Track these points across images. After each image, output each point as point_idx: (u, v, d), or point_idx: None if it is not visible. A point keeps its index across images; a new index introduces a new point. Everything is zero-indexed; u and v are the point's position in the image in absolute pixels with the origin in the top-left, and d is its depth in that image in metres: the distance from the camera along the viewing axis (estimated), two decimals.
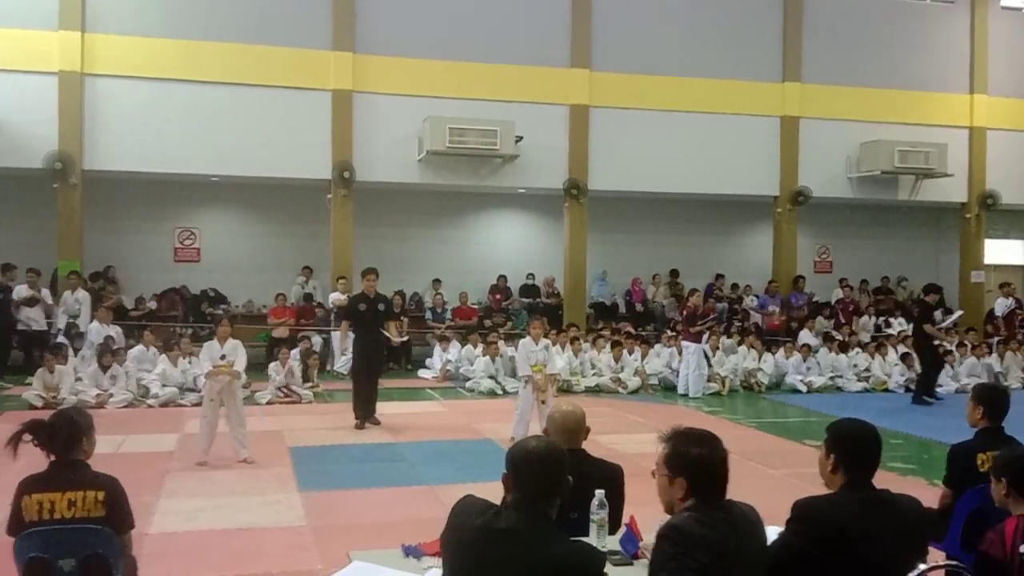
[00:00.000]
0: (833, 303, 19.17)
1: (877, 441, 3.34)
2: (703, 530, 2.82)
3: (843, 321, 18.23)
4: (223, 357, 8.69)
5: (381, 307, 10.91)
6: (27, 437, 3.84)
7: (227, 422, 8.75)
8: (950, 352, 15.35)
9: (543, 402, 9.53)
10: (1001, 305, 18.99)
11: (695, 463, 2.92)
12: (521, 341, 10.59)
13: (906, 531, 3.20)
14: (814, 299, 19.04)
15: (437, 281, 17.82)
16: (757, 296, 18.95)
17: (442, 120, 15.67)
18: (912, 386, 14.59)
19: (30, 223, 15.76)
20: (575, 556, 2.79)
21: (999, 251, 21.16)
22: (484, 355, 14.53)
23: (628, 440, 9.86)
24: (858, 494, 3.22)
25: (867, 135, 18.35)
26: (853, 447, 3.31)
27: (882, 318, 18.99)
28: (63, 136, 14.78)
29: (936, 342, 14.13)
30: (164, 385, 12.60)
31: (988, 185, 19.35)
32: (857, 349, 16.15)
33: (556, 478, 2.89)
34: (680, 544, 2.81)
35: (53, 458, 3.85)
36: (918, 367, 14.49)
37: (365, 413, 10.70)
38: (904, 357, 15.60)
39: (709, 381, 14.33)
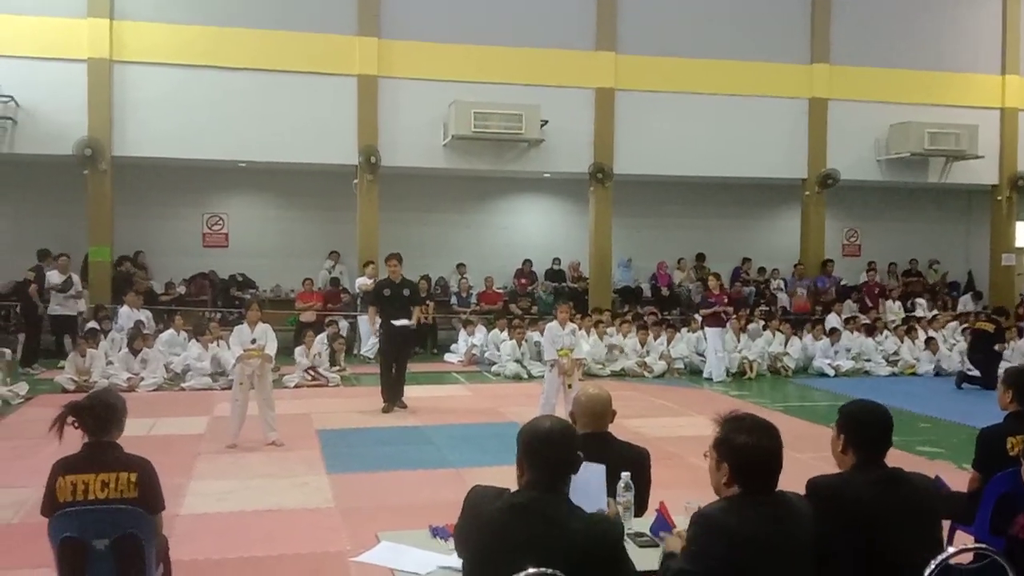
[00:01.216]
0: (859, 286, 19.00)
1: (888, 422, 3.36)
2: (735, 520, 2.82)
3: (870, 304, 18.07)
4: (253, 341, 8.78)
5: (406, 292, 10.91)
6: (70, 419, 3.91)
7: (257, 405, 8.84)
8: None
9: (569, 386, 9.55)
10: None
11: (739, 451, 2.91)
12: (548, 325, 10.59)
13: (919, 509, 3.21)
14: (841, 283, 18.91)
15: (462, 266, 17.85)
16: (784, 280, 18.85)
17: (467, 105, 15.66)
18: (939, 371, 14.95)
19: (61, 209, 15.96)
20: (596, 527, 2.83)
21: None
22: (510, 339, 14.56)
23: (654, 424, 9.88)
24: (869, 473, 3.24)
25: (896, 117, 18.12)
26: (863, 428, 3.34)
27: (908, 301, 18.83)
28: (92, 123, 14.93)
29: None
30: (188, 370, 12.74)
31: (1020, 167, 19.08)
32: (886, 333, 16.01)
33: (569, 455, 2.93)
34: (704, 534, 2.84)
35: (86, 440, 3.91)
36: (947, 352, 14.40)
37: (392, 397, 10.76)
38: (928, 342, 15.47)
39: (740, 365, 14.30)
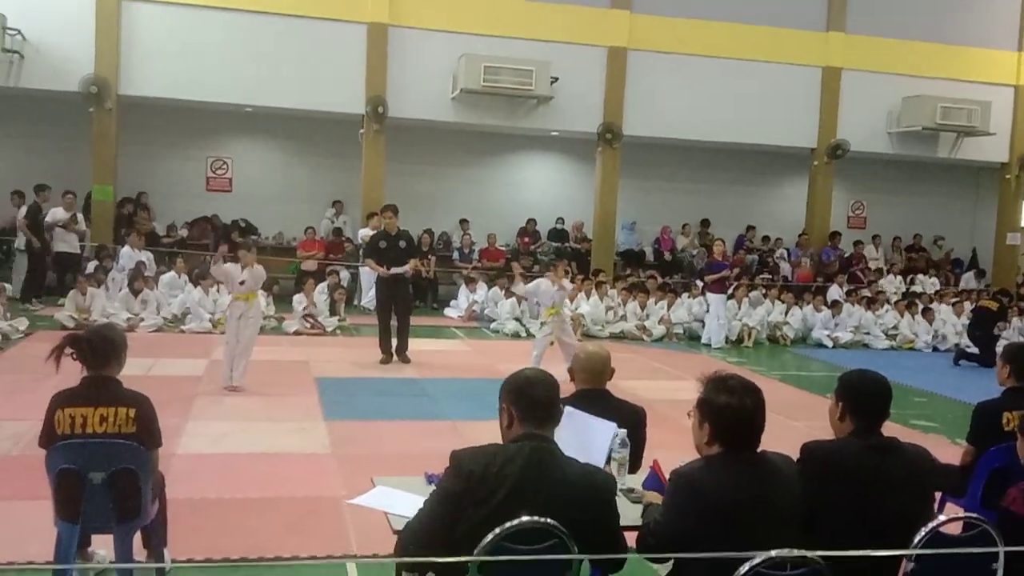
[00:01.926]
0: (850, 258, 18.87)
1: (886, 392, 3.38)
2: (711, 479, 2.85)
3: (862, 280, 17.96)
4: (242, 283, 8.78)
5: (402, 244, 10.84)
6: (68, 350, 3.91)
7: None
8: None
9: (564, 342, 9.76)
10: None
11: (719, 410, 2.94)
12: (537, 280, 10.65)
13: (912, 477, 3.24)
14: (845, 256, 18.87)
15: (465, 221, 17.79)
16: (788, 249, 18.81)
17: (477, 58, 15.50)
18: (937, 345, 15.06)
19: (65, 146, 15.87)
20: (596, 475, 2.91)
21: None
22: (509, 297, 14.56)
23: (650, 386, 9.91)
24: (865, 440, 3.27)
25: (910, 89, 17.94)
26: (862, 396, 3.36)
27: (909, 276, 18.83)
28: (99, 60, 14.78)
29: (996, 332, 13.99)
30: (188, 313, 12.79)
31: None
32: (886, 307, 16.02)
33: (557, 401, 2.97)
34: (680, 492, 2.88)
35: (85, 374, 3.92)
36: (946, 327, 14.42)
37: (389, 348, 10.78)
38: (925, 312, 15.51)
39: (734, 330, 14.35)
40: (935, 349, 15.02)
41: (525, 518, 2.68)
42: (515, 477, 2.75)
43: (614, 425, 3.66)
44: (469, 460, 2.81)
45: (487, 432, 3.23)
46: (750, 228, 19.26)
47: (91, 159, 15.17)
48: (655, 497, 3.26)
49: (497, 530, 2.65)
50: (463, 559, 2.61)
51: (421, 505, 2.87)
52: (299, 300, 13.03)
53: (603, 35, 16.75)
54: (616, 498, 2.97)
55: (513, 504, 2.71)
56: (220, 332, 11.95)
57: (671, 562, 3.03)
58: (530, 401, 2.93)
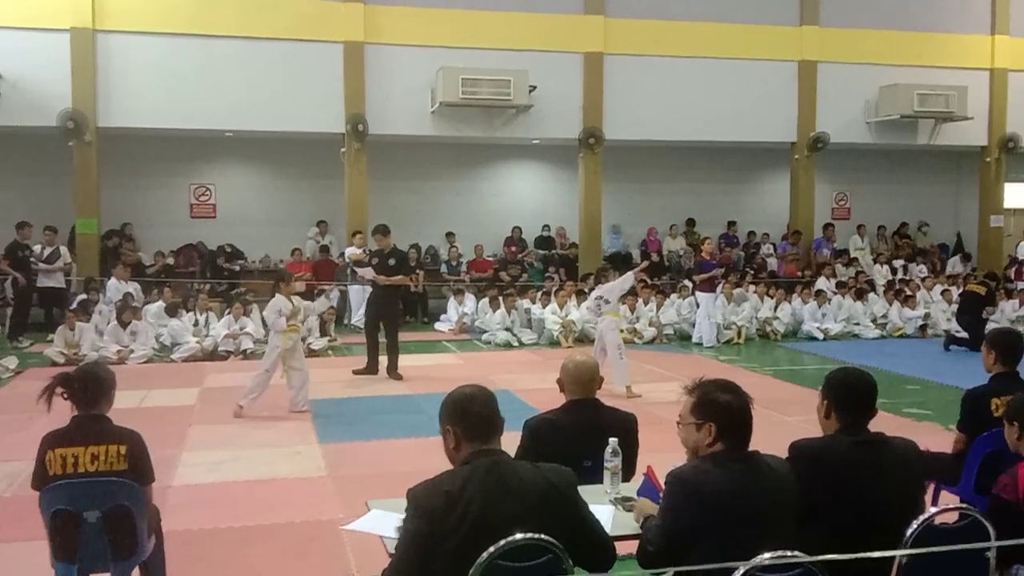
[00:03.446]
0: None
1: (871, 388, 3.45)
2: (707, 478, 2.90)
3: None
4: (294, 315, 8.89)
5: (392, 262, 10.94)
6: (59, 390, 3.92)
7: (287, 375, 8.92)
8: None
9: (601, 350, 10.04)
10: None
11: (723, 408, 3.03)
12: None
13: (901, 470, 3.28)
14: (839, 248, 18.96)
15: (451, 234, 17.80)
16: (774, 244, 18.88)
17: (455, 71, 15.53)
18: (921, 329, 15.31)
19: (47, 181, 15.83)
20: (550, 473, 2.90)
21: (1020, 195, 20.91)
22: (499, 308, 14.57)
23: (644, 389, 9.94)
24: (852, 437, 3.32)
25: (886, 79, 18.05)
26: (846, 393, 3.42)
27: (899, 263, 18.90)
28: (76, 93, 14.76)
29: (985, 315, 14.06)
30: (177, 343, 12.77)
31: (1009, 128, 19.04)
32: (872, 296, 16.07)
33: (497, 413, 2.98)
34: (677, 493, 2.93)
35: (75, 413, 3.92)
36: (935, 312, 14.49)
37: (375, 360, 10.91)
38: (907, 300, 15.62)
39: (726, 329, 14.38)
40: (923, 328, 15.21)
41: (519, 535, 2.67)
42: (479, 498, 2.72)
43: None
44: (428, 496, 2.75)
45: None
46: (731, 224, 19.31)
47: (74, 193, 15.13)
48: (649, 507, 3.27)
49: (484, 555, 2.64)
50: None
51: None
52: None
53: (579, 41, 16.81)
54: (577, 490, 2.96)
55: (484, 525, 2.68)
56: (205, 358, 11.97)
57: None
58: (472, 419, 2.92)
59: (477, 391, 3.01)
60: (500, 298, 14.71)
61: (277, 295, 8.97)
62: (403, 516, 2.80)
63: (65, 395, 3.92)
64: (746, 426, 3.03)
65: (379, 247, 11.03)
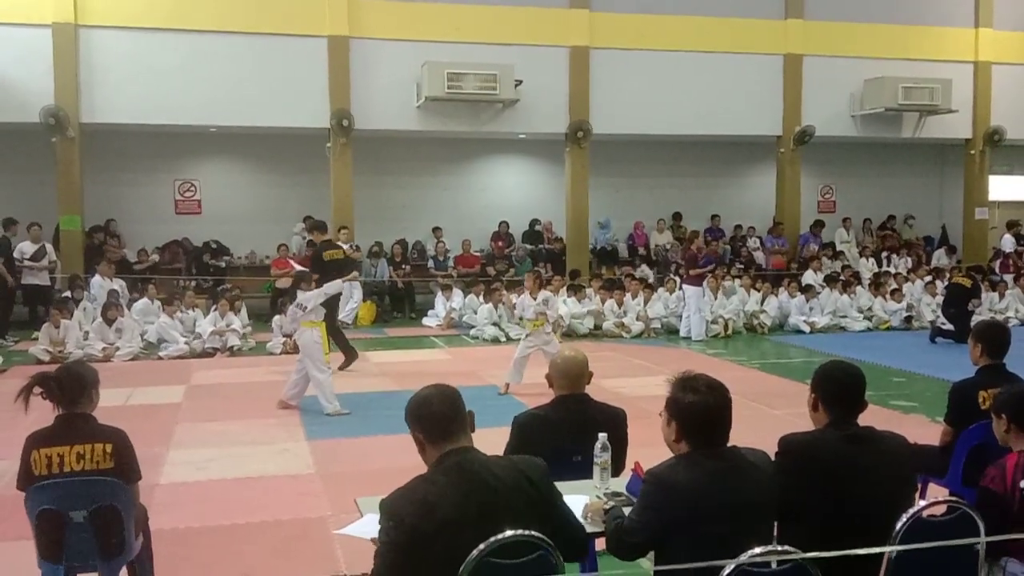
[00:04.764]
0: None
1: (859, 381, 3.44)
2: (685, 477, 2.92)
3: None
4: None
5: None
6: (37, 390, 3.87)
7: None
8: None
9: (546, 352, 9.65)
10: (1008, 242, 19.04)
11: (686, 409, 3.02)
12: (519, 298, 10.56)
13: (890, 465, 3.28)
14: (825, 243, 19.01)
15: (438, 229, 17.76)
16: (760, 238, 18.93)
17: (440, 65, 15.48)
18: (907, 321, 15.41)
19: (30, 178, 15.72)
20: (518, 463, 2.92)
21: (1004, 187, 21.04)
22: (487, 303, 14.55)
23: (632, 384, 9.94)
24: (841, 431, 3.32)
25: (871, 72, 18.10)
26: (836, 387, 3.41)
27: (884, 255, 18.98)
28: (59, 89, 14.63)
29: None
30: (163, 340, 12.70)
31: (993, 121, 19.14)
32: (858, 289, 16.12)
33: (459, 409, 2.92)
34: (652, 492, 2.95)
35: (59, 412, 3.88)
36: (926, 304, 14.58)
37: (350, 351, 11.05)
38: (893, 293, 15.69)
39: (713, 323, 14.41)
40: (908, 319, 15.29)
41: (509, 532, 2.67)
42: (451, 500, 2.70)
43: None
44: (403, 505, 2.72)
45: (476, 442, 3.21)
46: (714, 217, 19.34)
47: (57, 189, 15.01)
48: (598, 507, 3.34)
49: (474, 552, 2.63)
50: None
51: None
52: (278, 323, 12.94)
53: (564, 35, 16.78)
54: (550, 479, 2.95)
55: (462, 524, 2.67)
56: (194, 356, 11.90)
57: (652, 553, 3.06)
58: (431, 420, 2.89)
59: (433, 391, 2.96)
60: (486, 293, 14.70)
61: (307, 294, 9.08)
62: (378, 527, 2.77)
63: (43, 395, 3.87)
64: (713, 424, 3.01)
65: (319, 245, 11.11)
